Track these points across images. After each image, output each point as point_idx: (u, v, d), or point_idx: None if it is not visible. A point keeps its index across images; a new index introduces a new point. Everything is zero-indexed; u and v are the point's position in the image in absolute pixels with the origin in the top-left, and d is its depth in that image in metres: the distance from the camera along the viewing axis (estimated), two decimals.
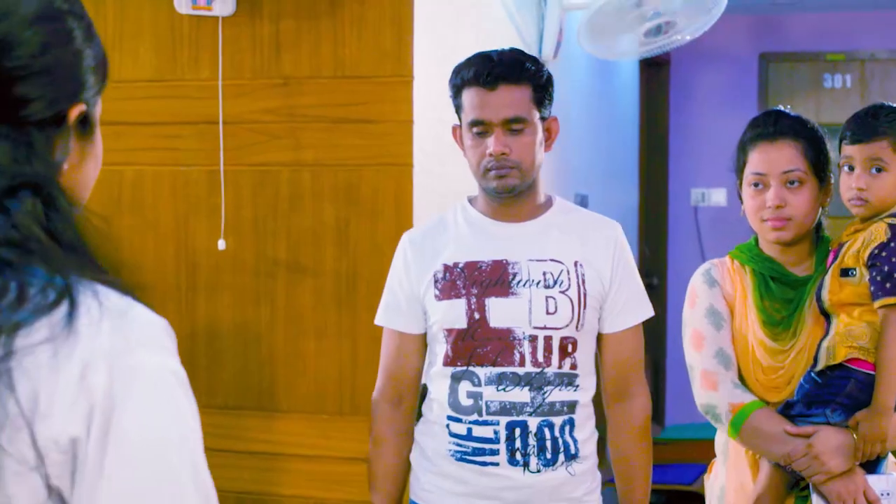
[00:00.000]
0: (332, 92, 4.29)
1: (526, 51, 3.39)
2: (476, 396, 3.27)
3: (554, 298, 3.27)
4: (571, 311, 3.27)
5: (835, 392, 3.20)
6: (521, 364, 3.25)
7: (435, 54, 4.37)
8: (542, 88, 3.30)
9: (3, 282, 1.36)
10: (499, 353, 3.25)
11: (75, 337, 1.36)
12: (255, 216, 4.38)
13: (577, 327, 3.28)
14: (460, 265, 3.32)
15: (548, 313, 3.26)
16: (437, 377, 3.37)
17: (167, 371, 1.42)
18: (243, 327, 4.38)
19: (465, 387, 3.29)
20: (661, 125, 9.34)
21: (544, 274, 3.28)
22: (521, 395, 3.25)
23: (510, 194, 3.31)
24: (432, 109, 4.32)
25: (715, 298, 3.43)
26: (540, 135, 3.30)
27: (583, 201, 6.65)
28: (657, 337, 8.73)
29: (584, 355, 3.33)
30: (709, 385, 3.35)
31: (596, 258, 3.33)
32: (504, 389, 3.25)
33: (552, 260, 3.31)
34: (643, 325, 3.46)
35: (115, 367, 1.36)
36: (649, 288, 8.64)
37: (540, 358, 3.25)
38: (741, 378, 3.37)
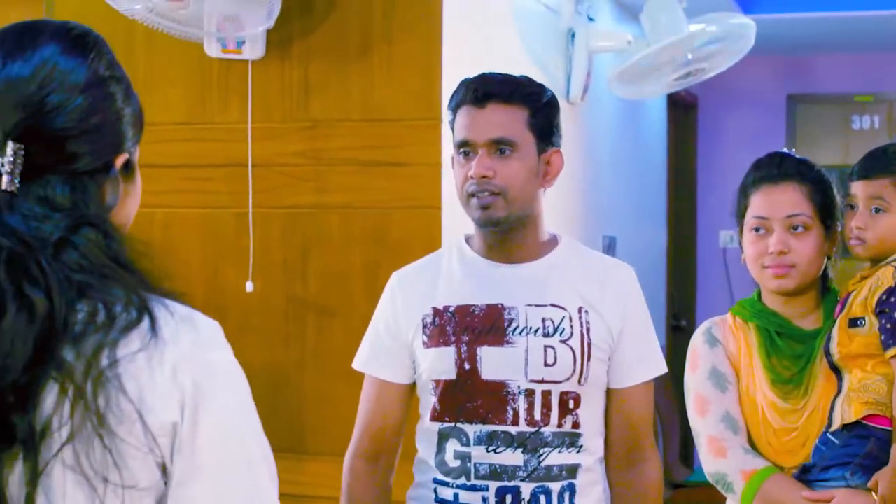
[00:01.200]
0: (361, 135, 4.30)
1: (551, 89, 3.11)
2: (464, 458, 2.93)
3: (553, 348, 2.92)
4: (573, 362, 2.92)
5: (854, 453, 2.98)
6: (515, 422, 2.90)
7: None
8: (540, 113, 2.97)
9: (93, 305, 1.66)
10: (490, 410, 2.91)
11: (162, 343, 1.69)
12: (284, 258, 4.39)
13: (579, 381, 2.93)
14: (451, 309, 2.98)
15: (546, 365, 2.91)
16: (424, 434, 3.05)
17: (232, 363, 1.82)
18: (272, 369, 4.38)
19: (452, 446, 2.95)
20: (689, 167, 9.33)
21: (543, 321, 2.94)
22: (514, 457, 2.90)
23: (497, 228, 2.95)
24: None
25: (717, 359, 3.20)
26: (534, 164, 2.95)
27: (611, 243, 6.64)
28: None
29: (590, 413, 2.97)
30: (717, 452, 3.12)
31: (603, 304, 2.98)
32: (495, 451, 2.90)
33: (553, 305, 2.96)
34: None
35: (197, 364, 1.72)
36: (678, 330, 8.65)
37: (536, 415, 2.90)
38: (751, 443, 3.14)
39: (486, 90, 2.95)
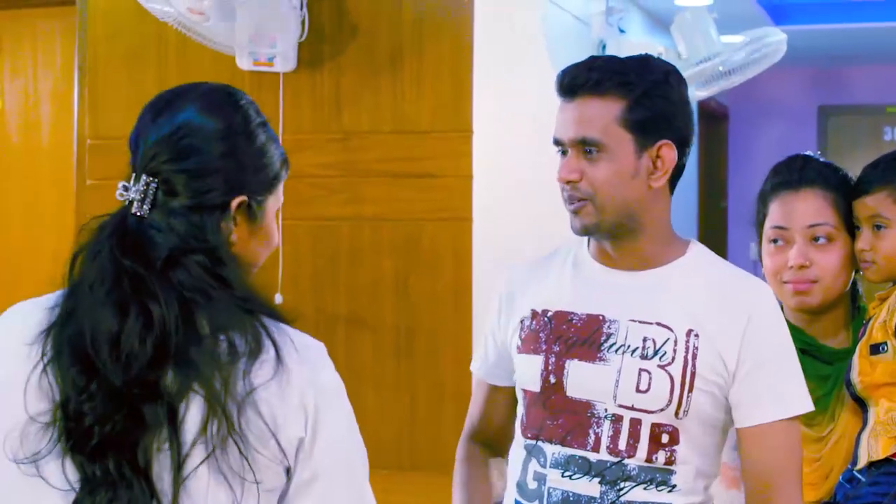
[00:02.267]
0: (392, 147, 4.31)
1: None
2: (541, 480, 2.62)
3: (649, 373, 2.54)
4: (670, 391, 2.52)
5: (882, 492, 2.66)
6: (595, 449, 2.55)
7: (494, 109, 4.39)
8: (640, 104, 2.55)
9: (214, 340, 1.96)
10: (570, 431, 2.58)
11: (288, 372, 1.99)
12: (314, 270, 4.40)
13: (677, 413, 2.52)
14: (550, 314, 2.66)
15: (638, 390, 2.53)
16: (514, 448, 2.75)
17: (337, 380, 2.12)
18: None
19: (533, 465, 2.64)
20: (719, 179, 9.32)
21: (644, 340, 2.56)
22: (590, 487, 2.56)
23: (593, 236, 2.64)
24: (492, 164, 4.33)
25: None
26: (630, 165, 2.55)
27: None
28: None
29: (693, 451, 2.55)
30: (729, 483, 2.83)
31: (720, 329, 2.54)
32: (570, 477, 2.57)
33: (659, 324, 2.56)
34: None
35: (316, 388, 2.04)
36: None
37: (621, 444, 2.54)
38: None
39: (573, 79, 2.59)
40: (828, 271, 2.83)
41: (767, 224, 2.92)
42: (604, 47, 5.65)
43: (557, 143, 2.61)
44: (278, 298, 4.36)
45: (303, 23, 4.33)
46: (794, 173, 2.92)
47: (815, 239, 2.84)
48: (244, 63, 4.32)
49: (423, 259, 4.26)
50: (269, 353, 2.00)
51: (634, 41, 5.96)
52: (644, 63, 2.60)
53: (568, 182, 2.56)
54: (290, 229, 4.40)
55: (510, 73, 4.64)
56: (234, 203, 2.08)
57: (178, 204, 2.03)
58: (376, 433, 4.32)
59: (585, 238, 2.69)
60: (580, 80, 2.56)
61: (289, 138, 4.39)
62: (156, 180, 2.04)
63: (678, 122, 2.60)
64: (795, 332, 2.76)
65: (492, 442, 2.90)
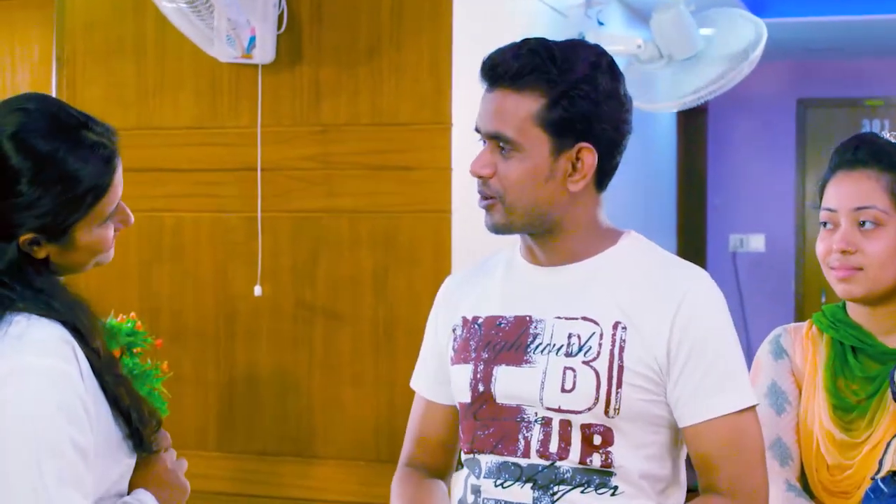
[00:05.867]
0: (371, 139, 4.30)
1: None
2: (476, 492, 2.47)
3: (574, 371, 2.37)
4: (596, 388, 2.35)
5: None
6: (526, 454, 2.40)
7: (473, 101, 4.37)
8: (560, 102, 2.36)
9: None
10: (501, 438, 2.43)
11: None
12: (293, 263, 4.39)
13: (607, 412, 2.35)
14: (480, 320, 2.51)
15: (563, 390, 2.37)
16: (461, 466, 2.60)
17: (21, 369, 2.09)
18: (281, 373, 4.39)
19: (470, 479, 2.50)
20: (698, 171, 9.33)
21: (569, 337, 2.40)
22: (522, 493, 2.40)
23: (504, 234, 2.48)
24: (471, 156, 4.31)
25: (780, 374, 2.70)
26: (544, 166, 2.38)
27: None
28: None
29: (631, 452, 2.39)
30: None
31: (649, 319, 2.37)
32: (502, 485, 2.42)
33: (584, 318, 2.40)
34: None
35: None
36: None
37: (552, 448, 2.38)
38: (803, 478, 2.65)
39: (494, 68, 2.40)
40: (874, 259, 2.58)
41: (822, 207, 2.68)
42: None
43: (477, 132, 2.47)
44: (258, 291, 4.36)
45: (281, 15, 4.32)
46: (848, 153, 2.66)
47: (862, 223, 2.60)
48: (223, 55, 4.31)
49: (402, 252, 4.26)
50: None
51: (613, 33, 5.97)
52: (571, 54, 2.39)
53: (479, 177, 2.43)
54: (270, 221, 4.39)
55: None
56: (21, 239, 2.17)
57: None
58: (355, 426, 4.33)
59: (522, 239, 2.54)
60: (500, 70, 2.39)
61: (267, 131, 4.39)
62: None
63: (602, 124, 2.40)
64: (851, 328, 2.65)
65: (431, 467, 2.67)
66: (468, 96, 4.33)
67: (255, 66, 4.37)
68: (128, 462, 2.26)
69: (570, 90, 2.35)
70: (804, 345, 2.72)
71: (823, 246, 2.65)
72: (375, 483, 4.27)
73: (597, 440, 2.37)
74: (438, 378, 2.62)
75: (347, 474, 4.32)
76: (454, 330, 2.57)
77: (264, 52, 4.31)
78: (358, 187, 4.32)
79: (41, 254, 2.20)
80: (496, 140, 2.40)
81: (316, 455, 4.36)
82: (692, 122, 9.15)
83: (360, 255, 4.32)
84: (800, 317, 8.91)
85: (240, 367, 4.45)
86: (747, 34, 5.34)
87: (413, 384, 2.72)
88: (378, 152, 4.30)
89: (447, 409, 2.61)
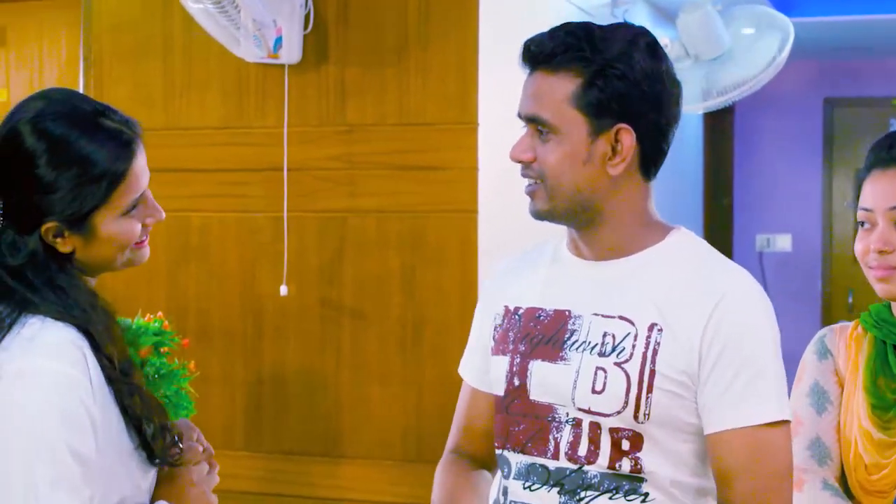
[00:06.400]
0: (397, 139, 4.30)
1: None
2: (504, 492, 2.42)
3: (605, 371, 2.29)
4: (626, 392, 2.26)
5: None
6: (555, 456, 2.32)
7: (500, 100, 4.38)
8: (597, 83, 2.29)
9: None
10: (531, 437, 2.36)
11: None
12: (319, 262, 4.39)
13: (636, 417, 2.26)
14: (521, 311, 2.44)
15: (594, 391, 2.28)
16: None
17: (30, 373, 2.12)
18: (308, 373, 4.39)
19: (499, 478, 2.44)
20: (725, 171, 9.31)
21: (604, 336, 2.31)
22: (549, 497, 2.32)
23: (547, 221, 2.41)
24: (497, 156, 4.32)
25: (823, 374, 2.66)
26: (582, 149, 2.30)
27: None
28: None
29: (662, 458, 2.29)
30: (794, 484, 2.42)
31: (684, 321, 2.27)
32: (530, 488, 2.35)
33: (621, 317, 2.31)
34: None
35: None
36: None
37: (580, 451, 2.30)
38: (843, 479, 2.60)
39: (530, 51, 2.39)
40: None
41: (859, 205, 2.64)
42: None
43: (518, 116, 2.42)
44: (283, 290, 4.36)
45: (307, 15, 4.33)
46: (882, 151, 2.62)
47: None
48: (250, 55, 4.32)
49: (429, 251, 4.26)
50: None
51: None
52: (609, 34, 2.33)
53: (519, 161, 2.38)
54: (296, 221, 4.40)
55: (515, 65, 4.62)
56: (43, 229, 2.20)
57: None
58: (382, 425, 4.32)
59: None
60: (536, 51, 2.37)
61: (294, 131, 4.39)
62: None
63: (641, 104, 2.32)
64: (892, 326, 2.62)
65: (476, 456, 2.59)
66: (494, 96, 4.32)
67: (282, 66, 4.38)
68: (143, 474, 2.25)
69: (604, 68, 2.28)
70: (848, 344, 2.67)
71: (861, 245, 2.60)
72: (403, 482, 4.27)
73: (625, 445, 2.28)
74: (484, 366, 2.53)
75: (375, 474, 4.32)
76: (496, 319, 2.50)
77: (291, 53, 4.32)
78: (384, 187, 4.32)
79: (65, 247, 2.21)
80: (534, 123, 2.35)
81: (343, 454, 4.36)
82: (719, 122, 9.13)
83: (386, 254, 4.32)
84: (826, 317, 8.88)
85: (267, 366, 4.45)
86: (775, 34, 5.32)
87: (461, 370, 2.65)
88: (404, 152, 4.30)
89: (493, 398, 2.50)
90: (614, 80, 2.28)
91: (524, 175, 2.38)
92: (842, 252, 9.14)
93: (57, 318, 2.15)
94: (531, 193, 2.38)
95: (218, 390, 4.46)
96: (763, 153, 9.31)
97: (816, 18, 7.64)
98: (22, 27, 5.58)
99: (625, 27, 2.37)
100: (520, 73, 4.42)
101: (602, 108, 2.29)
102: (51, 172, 2.17)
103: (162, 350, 3.70)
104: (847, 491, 2.59)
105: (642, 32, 2.36)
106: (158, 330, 3.70)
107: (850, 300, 9.05)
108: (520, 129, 2.43)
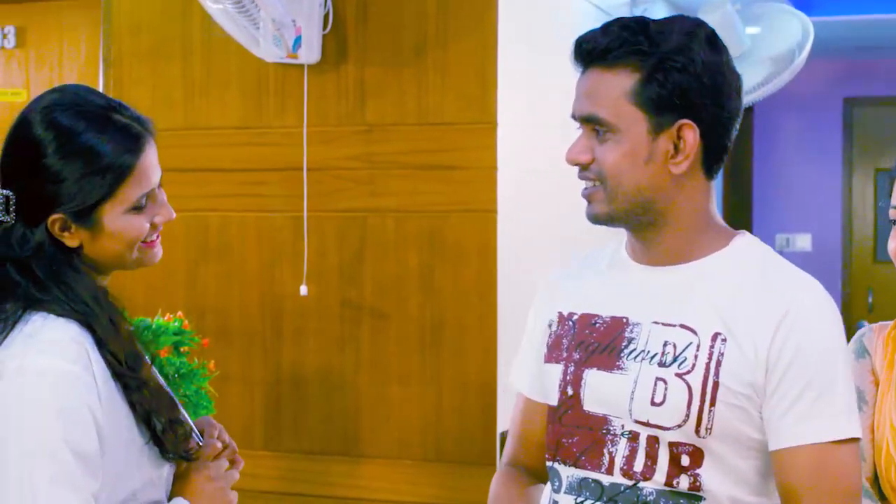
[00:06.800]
0: (416, 139, 4.30)
1: None
2: None
3: (665, 382, 2.17)
4: (687, 405, 2.14)
5: None
6: (609, 471, 2.21)
7: (518, 101, 4.38)
8: (657, 77, 2.17)
9: None
10: (584, 450, 2.25)
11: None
12: (339, 262, 4.40)
13: (697, 431, 2.14)
14: (575, 317, 2.33)
15: (653, 403, 2.17)
16: None
17: (32, 370, 2.12)
18: (328, 373, 4.39)
19: (549, 491, 2.34)
20: (744, 171, 9.29)
21: (665, 345, 2.19)
22: None
23: (606, 225, 2.28)
24: (516, 155, 4.32)
25: (860, 374, 2.56)
26: (643, 147, 2.19)
27: None
28: None
29: (721, 475, 2.17)
30: None
31: (750, 332, 2.15)
32: (582, 503, 2.24)
33: (682, 326, 2.20)
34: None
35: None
36: None
37: (636, 466, 2.18)
38: (875, 481, 2.53)
39: (584, 46, 2.23)
40: None
41: (891, 204, 2.56)
42: None
43: (573, 118, 2.27)
44: (303, 290, 4.36)
45: (326, 15, 4.33)
46: None
47: None
48: (269, 55, 4.32)
49: (448, 251, 4.26)
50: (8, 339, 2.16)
51: None
52: (665, 26, 2.21)
53: (577, 164, 2.23)
54: (315, 221, 4.40)
55: (534, 65, 4.63)
56: (50, 221, 2.21)
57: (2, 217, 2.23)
58: (401, 425, 4.32)
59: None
60: (589, 48, 2.21)
61: (313, 130, 4.40)
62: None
63: (703, 98, 2.19)
64: None
65: (533, 468, 2.47)
66: (513, 96, 4.32)
67: (301, 66, 4.38)
68: (156, 469, 2.25)
69: (664, 62, 2.16)
70: (886, 343, 2.58)
71: (892, 244, 2.52)
72: (422, 482, 4.27)
73: (685, 461, 2.16)
74: (537, 375, 2.41)
75: (394, 473, 4.32)
76: (549, 325, 2.38)
77: (310, 52, 4.32)
78: (403, 187, 4.32)
79: (72, 241, 2.21)
80: (591, 123, 2.21)
81: (363, 454, 4.36)
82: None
83: (405, 254, 4.32)
84: (846, 317, 8.82)
85: (286, 366, 4.45)
86: (794, 33, 5.31)
87: (513, 380, 2.52)
88: (423, 152, 4.30)
89: (546, 408, 2.38)
90: (675, 73, 2.16)
91: (582, 178, 2.25)
92: (862, 252, 9.12)
93: (60, 315, 2.16)
94: (589, 196, 2.24)
95: (237, 390, 4.47)
96: (783, 153, 9.29)
97: (836, 17, 7.62)
98: (42, 28, 5.60)
99: (681, 19, 2.25)
100: (538, 72, 4.43)
101: (663, 104, 2.17)
102: (58, 162, 2.18)
103: (182, 349, 3.71)
104: (880, 492, 2.52)
105: (700, 23, 2.25)
106: (178, 329, 3.71)
107: (871, 300, 9.02)
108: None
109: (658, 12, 6.27)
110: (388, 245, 4.34)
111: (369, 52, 4.36)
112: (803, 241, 9.08)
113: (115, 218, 2.22)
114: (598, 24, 2.30)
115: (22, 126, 2.22)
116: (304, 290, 4.37)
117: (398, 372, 4.33)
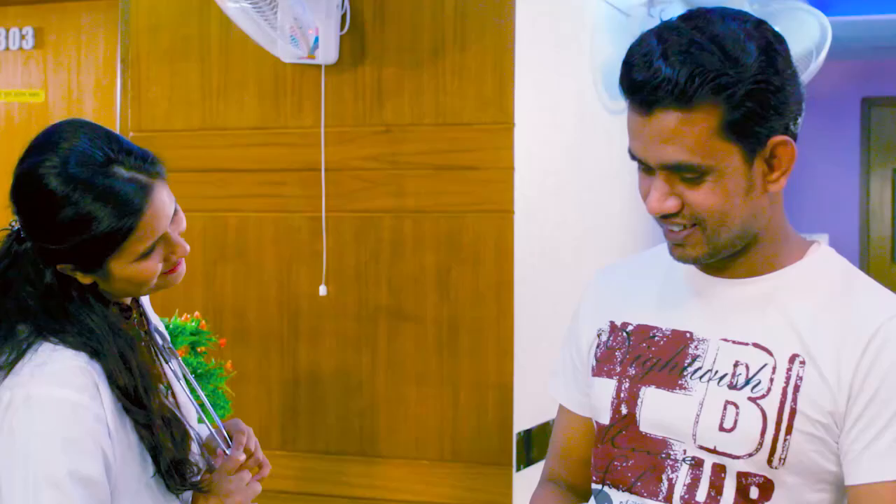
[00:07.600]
0: (434, 139, 4.30)
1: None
2: None
3: (737, 407, 2.00)
4: (761, 433, 1.98)
5: None
6: (668, 499, 2.05)
7: (536, 101, 4.38)
8: (742, 105, 1.94)
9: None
10: (640, 475, 2.09)
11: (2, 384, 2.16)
12: (356, 263, 4.40)
13: (770, 461, 1.98)
14: (630, 328, 2.17)
15: (722, 429, 2.00)
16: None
17: (36, 401, 2.16)
18: (345, 373, 4.39)
19: None
20: None
21: (736, 365, 2.03)
22: None
23: (698, 265, 2.10)
24: (534, 156, 4.32)
25: None
26: (742, 178, 2.00)
27: None
28: None
29: None
30: None
31: (832, 355, 1.98)
32: None
33: (755, 345, 2.03)
34: None
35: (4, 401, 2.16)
36: None
37: (699, 496, 2.02)
38: None
39: (644, 87, 1.96)
40: None
41: None
42: None
43: (634, 158, 2.05)
44: (322, 291, 4.36)
45: (344, 15, 4.33)
46: None
47: None
48: (286, 55, 4.32)
49: (465, 252, 4.26)
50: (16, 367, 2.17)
51: None
52: (736, 44, 1.95)
53: (663, 214, 2.02)
54: (333, 221, 4.40)
55: (552, 65, 4.63)
56: (59, 268, 2.23)
57: (20, 247, 2.26)
58: (419, 425, 4.32)
59: None
60: (661, 92, 1.93)
61: (331, 131, 4.40)
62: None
63: (790, 106, 2.03)
64: None
65: (574, 485, 2.33)
66: (531, 96, 4.32)
67: (319, 66, 4.38)
68: (168, 495, 2.26)
69: (752, 89, 1.96)
70: None
71: None
72: (439, 482, 4.27)
73: (753, 493, 2.00)
74: (579, 386, 2.28)
75: (411, 474, 4.32)
76: (599, 335, 2.23)
77: (327, 53, 4.32)
78: (421, 187, 4.32)
79: (85, 280, 2.24)
80: (679, 172, 1.99)
81: (379, 454, 4.36)
82: None
83: (423, 254, 4.32)
84: None
85: (303, 366, 4.46)
86: (813, 33, 5.29)
87: (552, 392, 2.38)
88: (441, 152, 4.30)
89: (590, 422, 2.25)
90: (763, 94, 1.97)
91: (669, 223, 2.04)
92: (879, 252, 9.10)
93: (69, 346, 2.16)
94: (683, 240, 2.04)
95: (254, 390, 4.47)
96: (800, 153, 9.17)
97: (855, 17, 7.60)
98: (59, 29, 5.61)
99: (740, 21, 2.01)
100: (556, 73, 4.42)
101: (754, 128, 1.99)
102: (55, 227, 2.16)
103: (199, 350, 3.72)
104: None
105: (762, 24, 2.05)
106: (195, 330, 3.72)
107: None
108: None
109: (675, 13, 6.25)
110: (405, 245, 4.34)
111: (387, 52, 4.36)
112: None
113: (124, 267, 2.22)
114: (622, 31, 2.16)
115: (23, 181, 2.20)
116: (323, 290, 4.37)
117: (415, 372, 4.33)
